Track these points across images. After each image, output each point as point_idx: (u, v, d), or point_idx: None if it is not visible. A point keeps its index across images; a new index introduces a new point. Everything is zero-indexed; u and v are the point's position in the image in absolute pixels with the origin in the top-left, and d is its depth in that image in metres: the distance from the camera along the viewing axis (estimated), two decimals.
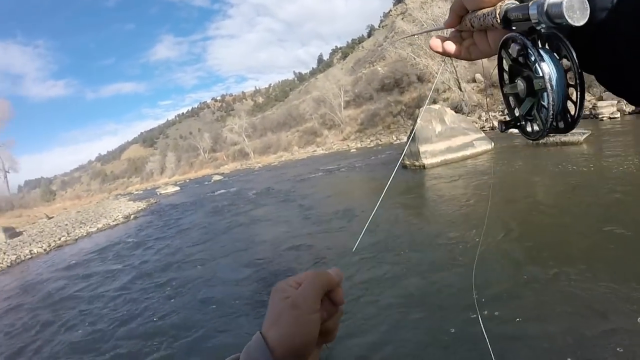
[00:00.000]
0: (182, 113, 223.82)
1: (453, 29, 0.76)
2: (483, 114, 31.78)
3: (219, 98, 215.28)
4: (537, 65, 0.56)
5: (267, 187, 25.17)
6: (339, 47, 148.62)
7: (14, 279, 15.64)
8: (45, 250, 21.63)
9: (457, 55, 0.75)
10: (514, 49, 0.60)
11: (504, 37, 0.62)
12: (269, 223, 13.87)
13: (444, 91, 40.04)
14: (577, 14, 0.47)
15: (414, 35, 1.43)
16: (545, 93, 0.56)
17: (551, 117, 0.57)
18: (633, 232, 6.15)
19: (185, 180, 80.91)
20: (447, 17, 0.74)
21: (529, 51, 0.57)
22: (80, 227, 27.61)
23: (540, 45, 0.57)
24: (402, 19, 64.61)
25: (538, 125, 0.62)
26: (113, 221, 27.60)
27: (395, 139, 40.51)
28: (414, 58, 40.37)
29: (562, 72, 0.56)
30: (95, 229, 25.74)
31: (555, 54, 0.56)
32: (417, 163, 17.61)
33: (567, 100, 0.57)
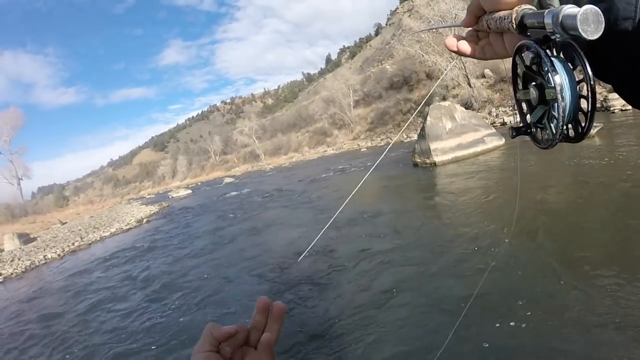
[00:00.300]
0: (192, 117, 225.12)
1: (470, 28, 0.76)
2: (493, 109, 31.52)
3: (228, 101, 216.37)
4: (549, 75, 0.55)
5: (279, 188, 25.18)
6: (346, 46, 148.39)
7: (28, 284, 15.86)
8: (59, 255, 21.96)
9: (471, 55, 0.76)
10: (527, 56, 0.59)
11: (518, 44, 0.62)
12: (281, 226, 13.84)
13: (454, 87, 39.80)
14: (591, 28, 0.46)
15: (430, 30, 1.37)
16: (556, 104, 0.56)
17: (561, 127, 0.57)
18: None
19: (197, 183, 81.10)
20: (462, 15, 0.74)
21: (543, 60, 0.56)
22: (94, 232, 27.91)
23: (554, 54, 0.57)
24: (409, 16, 64.27)
25: (548, 134, 0.62)
26: (126, 225, 27.90)
27: (405, 137, 40.31)
28: (422, 55, 40.14)
29: (574, 83, 0.56)
30: (109, 233, 26.06)
31: (569, 64, 0.56)
32: (428, 161, 17.50)
33: (579, 112, 0.57)
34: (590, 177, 9.88)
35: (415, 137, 20.56)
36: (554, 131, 0.59)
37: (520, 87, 0.68)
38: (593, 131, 14.22)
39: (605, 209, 7.58)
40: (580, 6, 0.50)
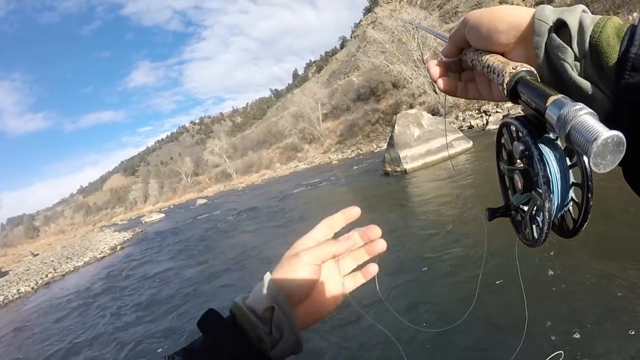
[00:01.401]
0: (162, 139, 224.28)
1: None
2: (460, 113, 31.84)
3: (197, 121, 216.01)
4: (538, 174, 0.48)
5: (252, 207, 24.80)
6: (313, 60, 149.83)
7: (2, 319, 15.20)
8: (32, 288, 21.45)
9: (452, 94, 0.71)
10: (516, 148, 0.50)
11: (506, 121, 0.55)
12: (256, 245, 13.51)
13: (420, 95, 40.25)
14: (607, 161, 0.37)
15: (417, 28, 1.11)
16: (540, 212, 0.50)
17: (545, 232, 0.50)
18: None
19: (169, 206, 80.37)
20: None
21: (533, 154, 0.48)
22: (67, 262, 27.43)
23: (548, 141, 0.50)
24: (373, 27, 65.04)
25: (529, 233, 0.56)
26: (100, 254, 27.42)
27: (375, 147, 40.52)
28: (388, 65, 40.47)
29: (568, 178, 0.49)
30: (82, 262, 25.58)
31: (565, 156, 0.50)
32: (398, 169, 17.45)
33: (569, 202, 0.51)
34: None
35: (385, 146, 20.55)
36: (535, 235, 0.53)
37: (505, 158, 0.60)
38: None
39: None
40: (598, 61, 0.44)
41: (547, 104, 0.43)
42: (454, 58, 0.69)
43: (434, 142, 17.56)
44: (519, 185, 0.54)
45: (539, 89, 0.47)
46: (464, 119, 30.04)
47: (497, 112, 26.99)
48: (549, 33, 0.50)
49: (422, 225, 9.60)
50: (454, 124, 27.56)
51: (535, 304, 4.58)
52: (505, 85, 0.51)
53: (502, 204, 0.63)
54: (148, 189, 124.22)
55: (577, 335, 3.89)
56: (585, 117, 0.38)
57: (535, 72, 0.52)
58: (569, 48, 0.47)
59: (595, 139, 0.36)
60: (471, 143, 17.76)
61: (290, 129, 72.58)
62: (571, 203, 0.52)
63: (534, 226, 0.54)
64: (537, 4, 41.43)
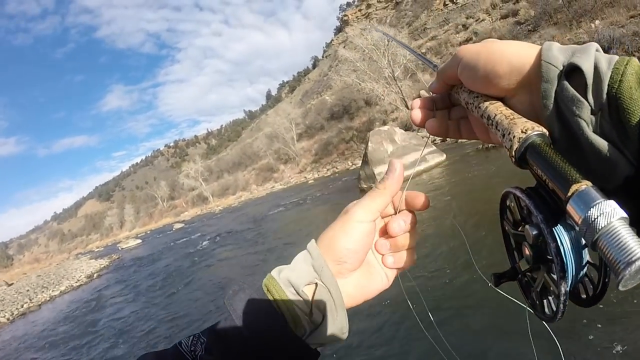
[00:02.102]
0: (136, 163, 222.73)
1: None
2: None
3: (172, 144, 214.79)
4: (554, 263, 0.43)
5: (230, 230, 24.50)
6: (286, 81, 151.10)
7: None
8: (8, 319, 20.66)
9: (443, 136, 0.65)
10: (529, 231, 0.44)
11: (515, 193, 0.48)
12: (234, 269, 13.30)
13: (392, 111, 40.62)
14: (637, 279, 0.33)
15: (405, 48, 0.97)
16: (555, 290, 0.45)
17: (562, 307, 0.45)
18: None
19: (146, 231, 79.02)
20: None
21: (548, 244, 0.42)
22: (43, 291, 26.61)
23: (564, 226, 0.43)
24: (344, 47, 65.87)
25: (540, 308, 0.50)
26: (76, 282, 26.79)
27: (351, 164, 40.61)
28: (359, 83, 40.96)
29: (583, 260, 0.45)
30: (58, 292, 24.91)
31: (581, 237, 0.41)
32: (374, 185, 17.41)
33: (583, 278, 0.47)
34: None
35: (360, 163, 20.63)
36: (548, 311, 0.49)
37: (511, 221, 0.54)
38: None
39: None
40: (618, 117, 0.39)
41: (570, 194, 0.37)
42: (442, 93, 0.63)
43: (407, 157, 17.62)
44: (527, 254, 0.49)
45: (557, 167, 0.39)
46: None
47: None
48: (559, 79, 0.43)
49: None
50: (427, 138, 27.69)
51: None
52: (513, 153, 0.44)
53: (507, 268, 0.56)
54: (124, 215, 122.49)
55: None
56: (619, 228, 0.32)
57: (547, 133, 0.44)
58: (585, 101, 0.40)
59: (630, 263, 0.30)
60: (444, 156, 17.92)
61: (265, 150, 72.43)
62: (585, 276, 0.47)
63: (544, 300, 0.49)
64: (502, 17, 42.48)
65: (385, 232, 0.64)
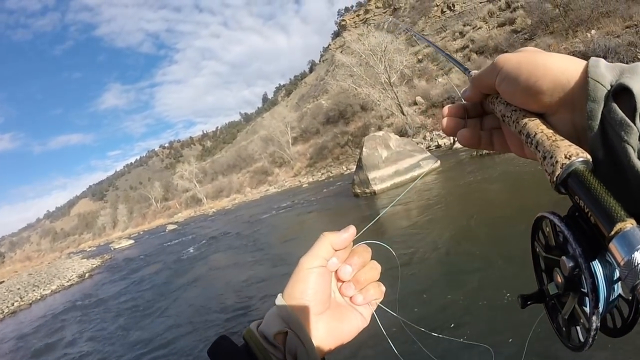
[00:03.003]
0: (131, 163, 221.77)
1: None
2: (427, 134, 32.28)
3: (167, 145, 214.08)
4: (587, 297, 0.42)
5: (223, 232, 24.42)
6: (282, 84, 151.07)
7: None
8: None
9: (474, 147, 0.60)
10: (565, 263, 0.43)
11: (554, 221, 0.45)
12: (227, 272, 13.18)
13: (388, 117, 40.68)
14: None
15: (436, 50, 0.84)
16: (590, 321, 0.43)
17: (592, 338, 0.43)
18: None
19: (139, 232, 78.73)
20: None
21: (584, 278, 0.41)
22: (34, 290, 26.50)
23: (601, 260, 0.42)
24: (342, 51, 65.95)
25: (571, 330, 0.48)
26: (67, 282, 26.64)
27: (345, 169, 40.64)
28: (356, 88, 41.00)
29: (616, 292, 0.44)
30: (50, 291, 24.77)
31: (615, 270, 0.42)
32: (367, 190, 17.43)
33: (616, 303, 0.45)
34: (528, 187, 10.03)
35: (354, 168, 20.60)
36: (579, 340, 0.46)
37: (543, 243, 0.51)
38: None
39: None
40: None
41: (613, 233, 0.35)
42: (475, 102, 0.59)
43: (402, 163, 17.65)
44: (558, 280, 0.47)
45: (602, 201, 0.37)
46: (431, 139, 30.44)
47: None
48: (606, 100, 0.40)
49: (391, 248, 9.51)
50: (422, 144, 27.84)
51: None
52: (555, 179, 0.42)
53: (535, 290, 0.54)
54: (117, 215, 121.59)
55: None
56: None
57: (591, 160, 0.41)
58: (634, 127, 0.37)
59: None
60: (439, 162, 17.94)
61: (260, 153, 72.33)
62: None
63: (572, 328, 0.47)
64: (499, 26, 42.56)
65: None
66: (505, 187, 10.90)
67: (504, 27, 41.25)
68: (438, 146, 27.73)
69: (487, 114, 0.60)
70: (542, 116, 0.48)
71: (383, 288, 0.66)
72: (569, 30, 26.93)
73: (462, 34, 50.19)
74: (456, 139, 0.60)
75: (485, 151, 16.44)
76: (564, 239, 0.44)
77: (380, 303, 0.67)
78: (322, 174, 47.23)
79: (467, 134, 0.58)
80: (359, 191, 18.04)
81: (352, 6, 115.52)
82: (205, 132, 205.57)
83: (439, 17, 64.51)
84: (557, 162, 0.41)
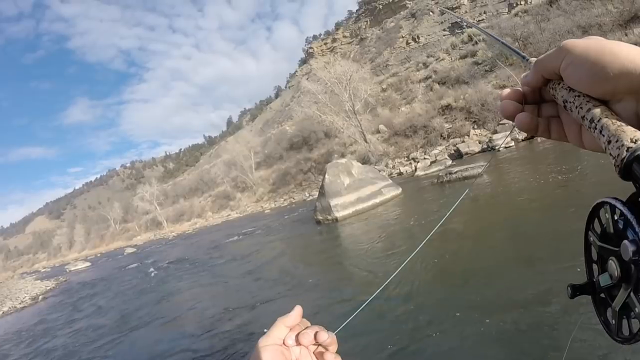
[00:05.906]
0: (91, 181, 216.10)
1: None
2: (390, 161, 32.67)
3: (128, 165, 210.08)
4: None
5: (182, 257, 23.85)
6: (247, 109, 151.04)
7: None
8: None
9: (532, 133, 0.58)
10: (626, 248, 0.40)
11: (619, 208, 0.43)
12: (185, 298, 12.81)
13: (351, 144, 41.08)
14: None
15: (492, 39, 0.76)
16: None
17: None
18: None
19: (96, 254, 76.30)
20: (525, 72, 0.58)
21: None
22: None
23: None
24: (308, 78, 66.65)
25: (623, 323, 0.46)
26: (20, 304, 25.47)
27: (308, 195, 40.63)
28: (320, 115, 41.34)
29: None
30: (1, 313, 23.69)
31: None
32: (329, 217, 17.41)
33: None
34: (482, 210, 10.25)
35: (317, 194, 20.59)
36: (626, 333, 0.45)
37: (598, 232, 0.50)
38: (480, 170, 15.19)
39: (492, 236, 7.66)
40: None
41: None
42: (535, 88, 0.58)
43: (364, 190, 17.76)
44: (614, 272, 0.44)
45: None
46: (393, 167, 30.87)
47: (425, 158, 28.19)
48: None
49: (350, 275, 9.48)
50: (384, 171, 28.15)
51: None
52: (619, 162, 0.40)
53: (585, 280, 0.53)
54: (74, 235, 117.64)
55: None
56: None
57: None
58: None
59: None
60: (400, 189, 18.17)
61: (222, 177, 71.76)
62: None
63: (623, 320, 0.45)
64: (462, 57, 43.92)
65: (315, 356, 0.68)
66: (464, 214, 11.06)
67: (465, 59, 42.60)
68: (400, 173, 28.13)
69: (544, 101, 0.59)
70: (605, 103, 0.46)
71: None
72: (622, 27, 27.52)
73: (425, 65, 51.49)
74: (514, 124, 0.57)
75: (446, 178, 16.88)
76: (624, 225, 0.42)
77: None
78: (285, 199, 47.01)
79: (525, 118, 0.56)
80: (321, 218, 17.99)
81: (320, 34, 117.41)
82: (168, 153, 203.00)
83: (404, 48, 66.21)
84: (622, 145, 0.40)
